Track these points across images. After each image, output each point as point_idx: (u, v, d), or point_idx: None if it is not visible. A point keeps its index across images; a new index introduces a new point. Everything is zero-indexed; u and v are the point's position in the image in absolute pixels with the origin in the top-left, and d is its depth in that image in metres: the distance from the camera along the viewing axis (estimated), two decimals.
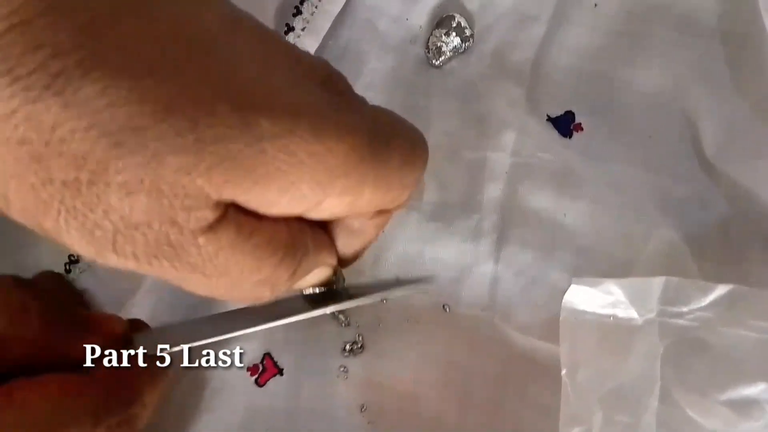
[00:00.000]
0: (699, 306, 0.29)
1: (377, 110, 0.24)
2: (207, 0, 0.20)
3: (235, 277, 0.21)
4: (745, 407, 0.28)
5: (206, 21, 0.19)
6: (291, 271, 0.23)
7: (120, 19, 0.18)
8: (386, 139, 0.23)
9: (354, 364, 0.37)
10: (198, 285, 0.21)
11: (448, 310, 0.36)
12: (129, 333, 0.27)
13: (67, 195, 0.18)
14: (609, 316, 0.28)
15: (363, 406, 0.36)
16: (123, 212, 0.19)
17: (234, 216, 0.20)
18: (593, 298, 0.28)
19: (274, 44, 0.21)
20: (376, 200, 0.23)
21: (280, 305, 0.29)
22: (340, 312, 0.37)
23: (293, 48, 0.22)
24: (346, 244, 0.26)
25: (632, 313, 0.29)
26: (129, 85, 0.17)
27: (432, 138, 0.36)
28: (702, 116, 0.32)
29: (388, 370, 0.36)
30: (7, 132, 0.17)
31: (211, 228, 0.20)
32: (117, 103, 0.17)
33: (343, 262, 0.28)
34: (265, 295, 0.23)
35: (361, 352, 0.37)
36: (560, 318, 0.28)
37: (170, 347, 0.26)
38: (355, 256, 0.27)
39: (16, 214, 0.19)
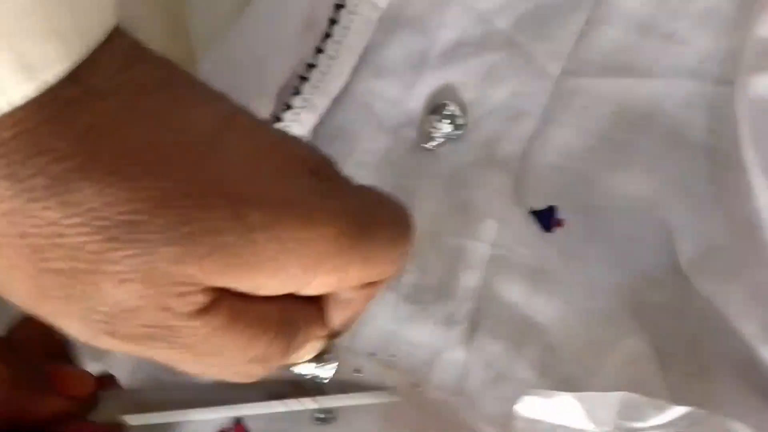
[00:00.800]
0: (655, 424, 0.28)
1: (363, 189, 0.25)
2: (204, 100, 0.22)
3: (228, 356, 0.22)
4: None
5: (201, 122, 0.21)
6: (284, 347, 0.23)
7: (118, 127, 0.19)
8: (373, 218, 0.24)
9: None
10: (191, 365, 0.22)
11: (420, 390, 0.35)
12: (95, 393, 0.28)
13: (65, 283, 0.19)
14: (564, 427, 0.28)
15: None
16: (117, 299, 0.19)
17: (226, 299, 0.21)
18: (547, 409, 0.28)
19: (266, 138, 0.23)
20: (364, 276, 0.24)
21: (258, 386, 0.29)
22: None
23: (284, 140, 0.23)
24: (335, 316, 0.26)
25: (588, 426, 0.28)
26: (124, 185, 0.19)
27: (417, 220, 0.36)
28: (679, 230, 0.32)
29: None
30: (9, 228, 0.18)
31: (204, 311, 0.21)
32: (112, 202, 0.19)
33: (333, 334, 0.28)
34: (258, 372, 0.23)
35: (334, 421, 0.37)
36: (512, 427, 0.28)
37: (134, 414, 0.27)
38: (346, 327, 0.28)
39: (18, 300, 0.20)
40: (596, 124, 0.34)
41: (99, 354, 0.34)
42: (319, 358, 0.27)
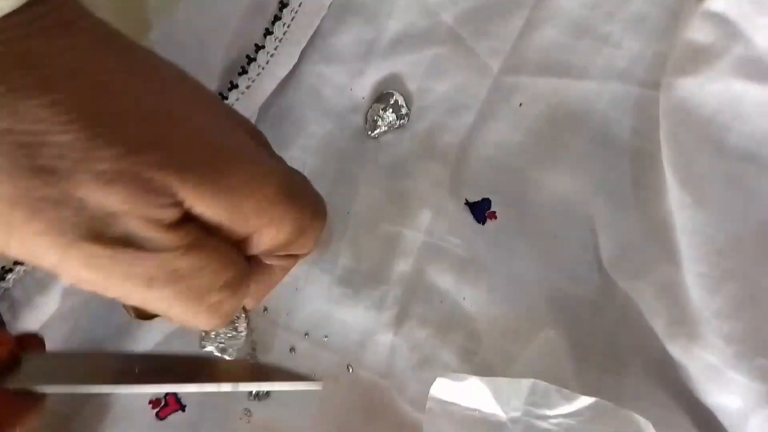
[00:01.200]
0: (562, 413, 0.29)
1: (293, 168, 0.28)
2: (163, 63, 0.24)
3: (198, 282, 0.23)
4: None
5: (163, 73, 0.24)
6: (241, 289, 0.24)
7: (100, 48, 0.22)
8: (302, 191, 0.26)
9: (258, 408, 0.37)
10: (162, 291, 0.22)
11: (351, 370, 0.36)
12: (17, 354, 0.28)
13: (47, 182, 0.20)
14: (474, 410, 0.29)
15: None
16: (100, 201, 0.20)
17: (194, 222, 0.23)
18: (460, 392, 0.28)
19: (212, 97, 0.26)
20: (291, 238, 0.25)
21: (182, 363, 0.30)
22: (252, 354, 0.38)
23: (226, 105, 0.27)
24: (256, 280, 0.28)
25: (497, 410, 0.29)
26: (115, 87, 0.21)
27: (356, 206, 0.37)
28: (601, 227, 0.33)
29: (289, 420, 0.36)
30: None
31: (179, 225, 0.22)
32: (98, 101, 0.20)
33: (248, 303, 0.29)
34: (213, 319, 0.24)
35: (267, 397, 0.37)
36: (426, 407, 0.28)
37: (54, 382, 0.27)
38: (259, 296, 0.29)
39: None
40: (531, 121, 0.34)
41: (37, 322, 0.35)
42: (227, 332, 0.28)
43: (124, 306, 0.25)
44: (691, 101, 0.29)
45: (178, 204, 0.22)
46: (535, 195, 0.35)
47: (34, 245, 0.20)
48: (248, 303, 0.29)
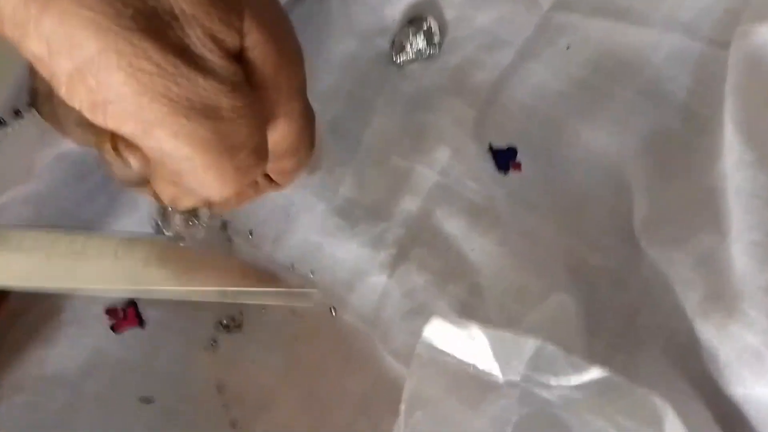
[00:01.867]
0: (568, 383, 0.25)
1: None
2: None
3: (235, 132, 0.20)
4: None
5: None
6: (262, 166, 0.22)
7: None
8: (311, 122, 0.25)
9: (225, 340, 0.33)
10: (197, 127, 0.19)
11: (333, 313, 0.32)
12: None
13: None
14: (468, 365, 0.25)
15: (221, 386, 0.33)
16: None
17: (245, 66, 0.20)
18: (455, 340, 0.24)
19: None
20: (292, 145, 0.24)
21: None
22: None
23: None
24: None
25: (495, 369, 0.25)
26: None
27: (367, 134, 0.33)
28: (638, 190, 0.29)
29: (258, 359, 0.32)
30: None
31: (235, 58, 0.20)
32: None
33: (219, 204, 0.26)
34: (236, 183, 0.21)
35: (238, 330, 0.33)
36: (415, 351, 0.24)
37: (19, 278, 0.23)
38: (227, 206, 0.26)
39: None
40: (576, 67, 0.31)
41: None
42: (189, 218, 0.24)
43: (109, 157, 0.21)
44: (765, 50, 0.25)
45: (242, 34, 0.20)
46: (567, 149, 0.31)
47: (70, 28, 0.17)
48: (216, 207, 0.25)
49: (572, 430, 0.25)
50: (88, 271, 0.25)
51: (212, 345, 0.33)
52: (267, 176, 0.26)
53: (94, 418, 0.30)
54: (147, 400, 0.31)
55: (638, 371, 0.27)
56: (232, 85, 0.19)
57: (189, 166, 0.19)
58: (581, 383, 0.25)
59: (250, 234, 0.33)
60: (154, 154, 0.19)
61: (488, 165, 0.32)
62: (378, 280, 0.31)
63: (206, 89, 0.18)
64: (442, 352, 0.24)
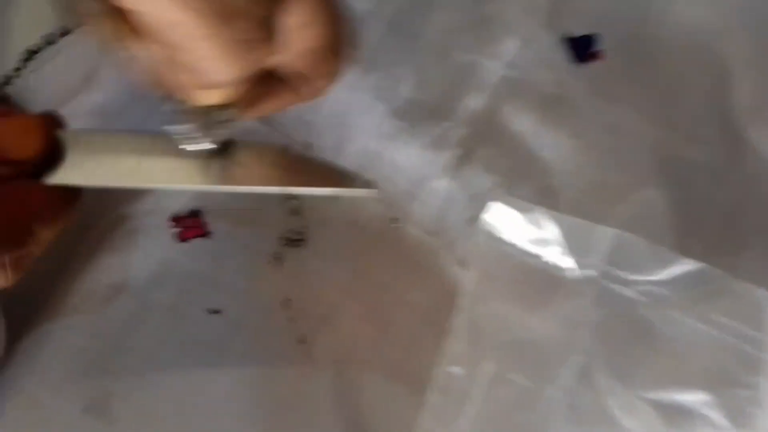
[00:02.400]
0: (654, 278, 0.22)
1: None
2: None
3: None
4: (673, 414, 0.21)
5: None
6: (270, 44, 0.21)
7: None
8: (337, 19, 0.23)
9: (290, 255, 0.32)
10: None
11: (396, 226, 0.30)
12: (53, 139, 0.24)
13: None
14: (536, 256, 0.22)
15: (287, 300, 0.32)
16: None
17: None
18: (521, 228, 0.22)
19: None
20: (320, 54, 0.23)
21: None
22: (291, 197, 0.33)
23: None
24: (267, 95, 0.24)
25: (568, 262, 0.22)
26: None
27: (428, 28, 0.31)
28: (742, 69, 0.25)
29: (323, 272, 0.31)
30: None
31: None
32: None
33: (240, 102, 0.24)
34: (241, 59, 0.20)
35: (301, 245, 0.33)
36: (474, 241, 0.22)
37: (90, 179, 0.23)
38: (258, 112, 0.25)
39: None
40: None
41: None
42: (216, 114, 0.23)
43: (127, 44, 0.21)
44: None
45: None
46: (655, 30, 0.27)
47: None
48: (250, 110, 0.24)
49: (659, 332, 0.22)
50: (155, 168, 0.25)
51: (277, 259, 0.32)
52: (303, 77, 0.25)
53: (162, 328, 0.30)
54: (214, 311, 0.31)
55: (738, 271, 0.24)
56: None
57: (186, 36, 0.18)
58: (670, 278, 0.22)
59: (309, 146, 0.32)
60: (157, 30, 0.18)
61: (564, 56, 0.28)
62: (441, 183, 0.29)
63: None
64: (503, 241, 0.22)
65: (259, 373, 0.31)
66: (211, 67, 0.20)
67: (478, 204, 0.29)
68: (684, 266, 0.21)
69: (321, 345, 0.31)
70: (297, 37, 0.22)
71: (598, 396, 0.22)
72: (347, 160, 0.31)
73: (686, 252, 0.25)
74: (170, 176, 0.25)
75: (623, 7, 0.28)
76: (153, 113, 0.32)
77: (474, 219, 0.28)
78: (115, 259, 0.30)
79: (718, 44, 0.26)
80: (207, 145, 0.24)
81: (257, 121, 0.30)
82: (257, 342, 0.31)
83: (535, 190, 0.27)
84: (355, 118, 0.31)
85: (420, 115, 0.29)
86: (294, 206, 0.33)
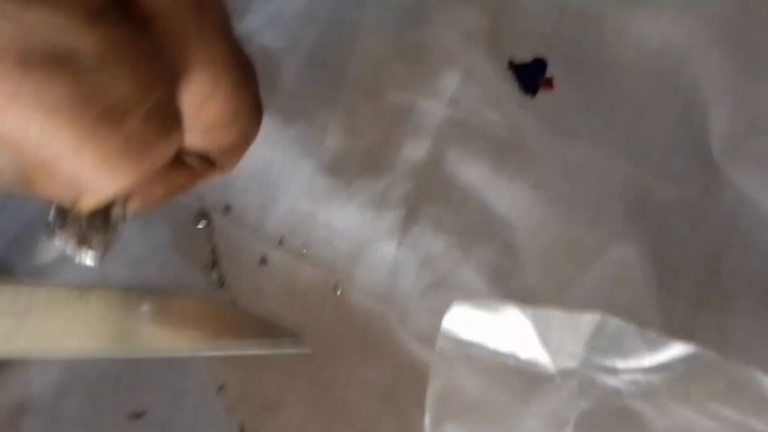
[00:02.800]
0: (642, 365, 0.19)
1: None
2: None
3: (113, 86, 0.15)
4: None
5: None
6: (172, 133, 0.17)
7: None
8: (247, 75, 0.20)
9: None
10: (49, 85, 0.14)
11: (339, 293, 0.27)
12: None
13: None
14: (507, 356, 0.19)
15: (222, 388, 0.28)
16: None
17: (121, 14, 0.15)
18: (487, 329, 0.19)
19: None
20: (228, 118, 0.19)
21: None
22: (212, 268, 0.29)
23: None
24: (165, 177, 0.20)
25: (543, 357, 0.19)
26: None
27: (354, 65, 0.26)
28: (718, 96, 0.22)
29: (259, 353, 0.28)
30: None
31: (102, 13, 0.14)
32: None
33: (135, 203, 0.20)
34: (130, 164, 0.16)
35: None
36: (436, 347, 0.19)
37: None
38: (153, 201, 0.21)
39: None
40: None
41: None
42: (93, 218, 0.18)
43: None
44: None
45: None
46: (612, 50, 0.24)
47: None
48: (135, 203, 0.19)
49: (650, 424, 0.20)
50: (39, 331, 0.21)
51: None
52: (204, 157, 0.20)
53: None
54: (137, 415, 0.27)
55: (731, 334, 0.21)
56: (92, 15, 0.13)
57: (53, 147, 0.14)
58: (658, 364, 0.19)
59: (228, 209, 0.27)
60: (11, 138, 0.14)
61: (510, 86, 0.25)
62: (386, 248, 0.25)
63: (51, 25, 0.13)
64: (470, 344, 0.19)
65: None
66: (94, 180, 0.15)
67: (431, 269, 0.26)
68: (673, 350, 0.19)
69: None
70: (198, 115, 0.18)
71: None
72: (274, 223, 0.27)
73: (669, 312, 0.23)
74: (60, 340, 0.20)
75: (573, 25, 0.24)
76: (33, 204, 0.27)
77: (430, 287, 0.25)
78: (11, 374, 0.26)
79: (688, 66, 0.23)
80: (90, 260, 0.19)
81: None
82: None
83: (494, 249, 0.24)
84: (280, 177, 0.26)
85: (354, 169, 0.26)
86: (217, 277, 0.29)
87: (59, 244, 0.18)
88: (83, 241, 0.18)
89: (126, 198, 0.19)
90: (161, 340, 0.21)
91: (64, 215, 0.18)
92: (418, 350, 0.26)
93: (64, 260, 0.27)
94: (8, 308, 0.20)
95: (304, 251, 0.27)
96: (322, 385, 0.27)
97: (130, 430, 0.27)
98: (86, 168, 0.15)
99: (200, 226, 0.28)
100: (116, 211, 0.18)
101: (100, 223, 0.18)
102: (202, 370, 0.28)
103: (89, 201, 0.17)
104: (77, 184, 0.15)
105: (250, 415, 0.28)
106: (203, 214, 0.29)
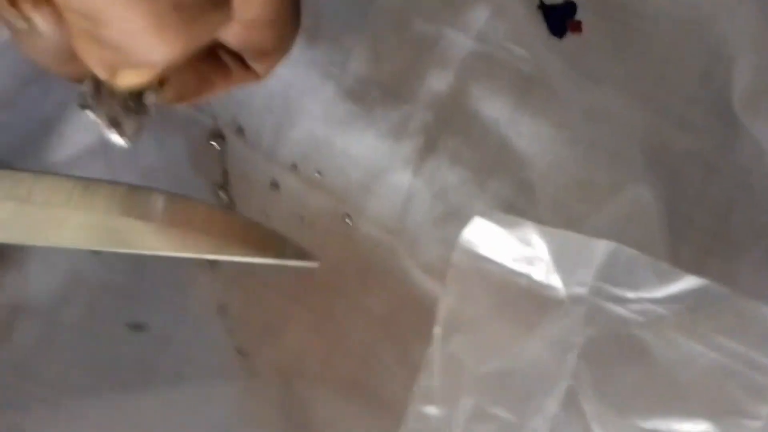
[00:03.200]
0: (652, 296, 0.20)
1: None
2: None
3: None
4: None
5: None
6: (219, 13, 0.17)
7: None
8: None
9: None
10: None
11: (349, 222, 0.27)
12: None
13: None
14: (521, 275, 0.19)
15: (223, 308, 0.28)
16: None
17: None
18: (504, 245, 0.19)
19: None
20: (262, 23, 0.18)
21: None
22: (223, 188, 0.29)
23: None
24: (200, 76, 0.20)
25: (555, 280, 0.20)
26: None
27: None
28: (743, 48, 0.22)
29: (263, 274, 0.28)
30: None
31: None
32: None
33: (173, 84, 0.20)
34: (178, 40, 0.15)
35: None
36: (451, 259, 0.19)
37: None
38: (189, 96, 0.20)
39: None
40: None
41: None
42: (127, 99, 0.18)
43: (10, 17, 0.15)
44: None
45: None
46: (642, 1, 0.24)
47: None
48: (168, 92, 0.19)
49: (655, 354, 0.20)
50: (39, 220, 0.20)
51: (209, 261, 0.28)
52: (240, 60, 0.20)
53: (74, 351, 0.26)
54: (137, 327, 0.27)
55: (736, 280, 0.22)
56: None
57: (110, 3, 0.13)
58: (667, 295, 0.20)
59: (240, 130, 0.27)
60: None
61: (539, 27, 0.25)
62: (401, 178, 0.25)
63: None
64: (486, 259, 0.19)
65: (194, 392, 0.27)
66: (142, 45, 0.15)
67: (444, 201, 0.26)
68: (683, 282, 0.19)
69: (265, 358, 0.27)
70: (242, 5, 0.18)
71: (586, 425, 0.20)
72: (289, 147, 0.27)
73: (678, 255, 0.23)
74: (60, 231, 0.19)
75: None
76: (48, 100, 0.26)
77: (441, 218, 0.25)
78: (9, 275, 0.26)
79: (716, 20, 0.23)
80: (121, 140, 0.19)
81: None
82: (190, 358, 0.28)
83: (509, 185, 0.24)
84: (298, 99, 0.26)
85: (375, 96, 0.26)
86: (227, 197, 0.29)
87: (92, 117, 0.18)
88: (115, 121, 0.18)
89: (162, 81, 0.18)
90: (165, 240, 0.21)
91: (99, 90, 0.17)
92: (423, 281, 0.26)
93: (75, 159, 0.27)
94: (9, 193, 0.19)
95: (317, 176, 0.27)
96: (324, 311, 0.27)
97: (127, 340, 0.28)
98: (135, 30, 0.14)
99: (214, 144, 0.28)
100: (149, 96, 0.18)
101: (132, 105, 0.18)
102: (204, 288, 0.28)
103: (131, 76, 0.17)
104: (124, 47, 0.15)
105: (248, 337, 0.28)
106: (218, 133, 0.29)
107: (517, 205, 0.24)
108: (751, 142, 0.23)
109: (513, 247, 0.19)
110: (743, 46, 0.23)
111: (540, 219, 0.24)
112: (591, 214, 0.23)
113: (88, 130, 0.27)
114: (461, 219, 0.25)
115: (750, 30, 0.23)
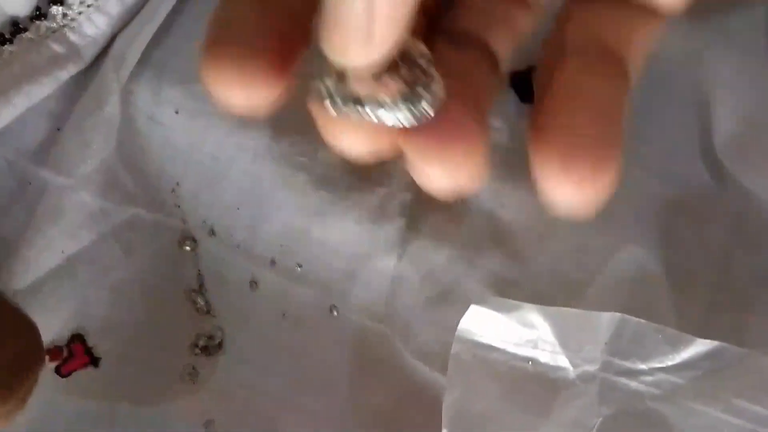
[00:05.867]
0: (664, 365, 0.20)
1: None
2: None
3: None
4: None
5: None
6: None
7: None
8: None
9: (206, 366, 0.28)
10: None
11: (336, 313, 0.27)
12: None
13: None
14: (526, 360, 0.19)
15: (209, 423, 0.28)
16: None
17: None
18: (505, 330, 0.19)
19: None
20: None
21: None
22: (198, 292, 0.29)
23: None
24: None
25: (562, 360, 0.19)
26: None
27: None
28: (719, 97, 0.23)
29: (250, 381, 0.27)
30: None
31: None
32: None
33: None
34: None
35: (218, 352, 0.28)
36: (451, 352, 0.19)
37: None
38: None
39: None
40: None
41: None
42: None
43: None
44: None
45: None
46: None
47: None
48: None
49: (676, 427, 0.20)
50: None
51: (189, 375, 0.28)
52: None
53: None
54: None
55: (748, 334, 0.22)
56: None
57: None
58: (680, 362, 0.20)
59: (212, 233, 0.27)
60: None
61: (510, 95, 0.26)
62: (386, 263, 0.25)
63: None
64: (488, 347, 0.19)
65: None
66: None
67: (433, 282, 0.26)
68: (696, 347, 0.19)
69: None
70: None
71: None
72: (265, 242, 0.27)
73: (687, 317, 0.23)
74: None
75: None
76: (7, 222, 0.26)
77: (432, 301, 0.25)
78: None
79: (688, 66, 0.24)
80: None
81: None
82: None
83: (500, 259, 0.24)
84: (270, 193, 0.27)
85: (349, 181, 0.26)
86: (204, 303, 0.28)
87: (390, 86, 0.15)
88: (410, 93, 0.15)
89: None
90: None
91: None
92: (422, 371, 0.25)
93: (40, 285, 0.26)
94: None
95: (298, 270, 0.27)
96: (319, 413, 0.27)
97: None
98: None
99: (186, 248, 0.28)
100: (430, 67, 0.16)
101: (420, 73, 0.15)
102: (186, 405, 0.28)
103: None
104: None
105: None
106: (189, 236, 0.29)
107: (511, 280, 0.24)
108: (737, 187, 0.23)
109: (514, 331, 0.19)
110: (718, 93, 0.24)
111: (538, 292, 0.24)
112: (590, 282, 0.23)
113: (51, 250, 0.27)
114: (453, 299, 0.25)
115: (724, 75, 0.24)
